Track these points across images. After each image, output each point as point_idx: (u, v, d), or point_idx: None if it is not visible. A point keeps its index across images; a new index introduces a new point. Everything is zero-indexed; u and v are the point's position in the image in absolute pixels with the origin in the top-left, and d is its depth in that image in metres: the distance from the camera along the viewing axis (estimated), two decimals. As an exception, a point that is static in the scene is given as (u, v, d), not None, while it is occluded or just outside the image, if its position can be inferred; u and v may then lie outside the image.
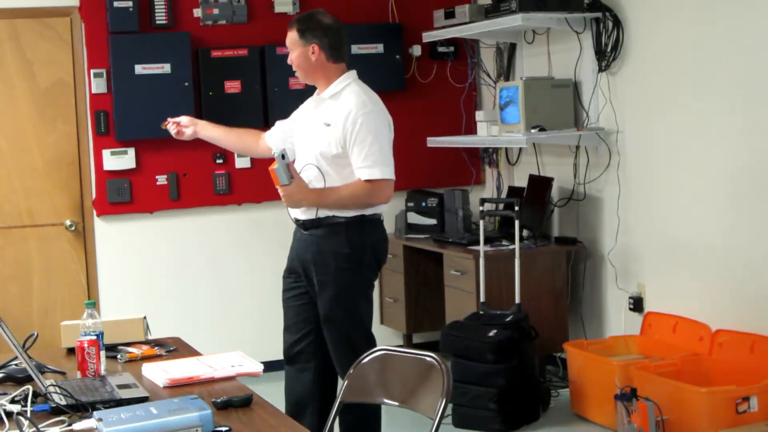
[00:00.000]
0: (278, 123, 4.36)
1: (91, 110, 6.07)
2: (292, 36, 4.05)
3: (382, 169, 3.92)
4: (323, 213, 3.99)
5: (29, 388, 2.72)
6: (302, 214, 4.03)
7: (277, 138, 4.28)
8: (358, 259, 4.01)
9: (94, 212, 6.14)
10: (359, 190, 3.93)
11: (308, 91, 4.22)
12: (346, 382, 3.01)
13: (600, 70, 5.58)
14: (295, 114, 4.27)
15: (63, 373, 3.14)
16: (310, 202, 3.96)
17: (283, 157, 3.84)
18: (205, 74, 6.17)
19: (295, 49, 4.04)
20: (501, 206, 6.04)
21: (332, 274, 4.00)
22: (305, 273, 4.08)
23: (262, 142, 4.36)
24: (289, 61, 4.09)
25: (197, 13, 6.21)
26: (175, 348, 3.46)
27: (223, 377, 3.02)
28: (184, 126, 4.35)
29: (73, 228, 6.13)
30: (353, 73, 4.09)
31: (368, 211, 4.01)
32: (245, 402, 2.74)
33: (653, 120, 5.28)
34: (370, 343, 4.01)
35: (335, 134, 3.94)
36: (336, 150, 3.94)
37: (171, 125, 4.34)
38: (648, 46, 5.30)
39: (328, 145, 3.95)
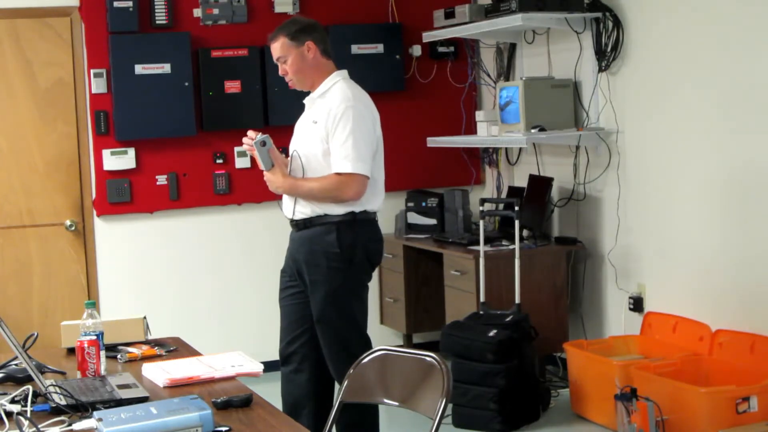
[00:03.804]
0: None
1: (91, 110, 6.07)
2: (281, 43, 4.06)
3: (355, 163, 3.93)
4: (314, 212, 4.02)
5: (29, 388, 2.72)
6: (293, 213, 4.07)
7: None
8: (349, 259, 4.02)
9: (94, 212, 6.14)
10: (329, 182, 3.96)
11: (308, 91, 4.22)
12: (346, 382, 3.01)
13: (600, 70, 5.58)
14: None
15: (63, 373, 3.14)
16: (285, 190, 4.06)
17: (264, 144, 4.01)
18: (205, 74, 6.17)
19: (289, 54, 4.06)
20: (501, 206, 6.03)
21: (323, 273, 4.01)
22: (298, 272, 4.10)
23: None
24: (282, 72, 4.12)
25: (197, 13, 6.21)
26: (175, 348, 3.47)
27: (223, 377, 3.02)
28: None
29: (73, 228, 6.13)
30: (343, 72, 4.12)
31: (358, 209, 4.02)
32: (245, 402, 2.74)
33: (653, 120, 5.28)
34: (365, 344, 4.01)
35: (320, 131, 3.98)
36: (323, 146, 3.98)
37: None
38: (648, 46, 5.30)
39: (316, 142, 4.00)
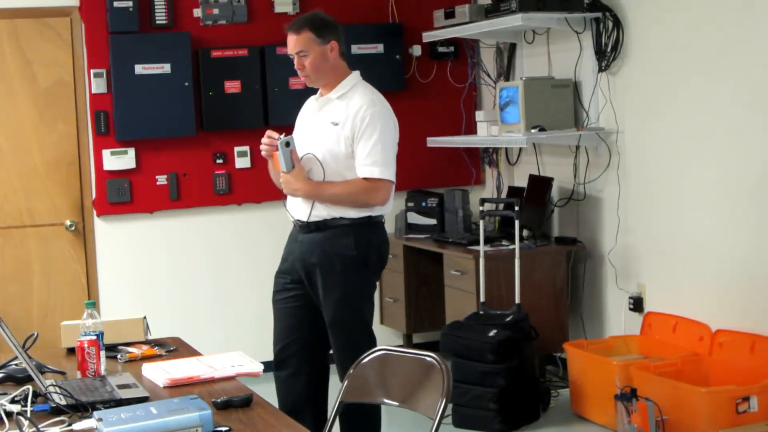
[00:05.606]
0: None
1: (91, 110, 6.07)
2: (305, 37, 3.94)
3: (383, 169, 3.90)
4: (330, 215, 3.95)
5: (29, 388, 2.72)
6: (308, 216, 3.98)
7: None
8: (364, 261, 3.98)
9: (94, 212, 6.14)
10: (357, 187, 3.91)
11: (308, 91, 4.20)
12: (346, 382, 3.01)
13: (600, 70, 5.58)
14: (297, 123, 4.22)
15: (63, 373, 3.14)
16: (305, 193, 3.94)
17: (287, 144, 3.92)
18: (205, 74, 6.17)
19: (311, 50, 3.95)
20: (501, 206, 6.03)
21: (338, 276, 3.95)
22: (308, 276, 4.02)
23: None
24: (298, 66, 3.98)
25: (197, 13, 6.21)
26: (175, 348, 3.47)
27: (223, 377, 3.02)
28: None
29: (73, 228, 6.13)
30: (358, 74, 4.08)
31: (375, 213, 3.98)
32: (245, 402, 2.74)
33: (653, 120, 5.28)
34: (373, 344, 3.98)
35: (344, 133, 3.91)
36: (346, 148, 3.91)
37: None
38: (648, 46, 5.30)
39: (337, 144, 3.93)
